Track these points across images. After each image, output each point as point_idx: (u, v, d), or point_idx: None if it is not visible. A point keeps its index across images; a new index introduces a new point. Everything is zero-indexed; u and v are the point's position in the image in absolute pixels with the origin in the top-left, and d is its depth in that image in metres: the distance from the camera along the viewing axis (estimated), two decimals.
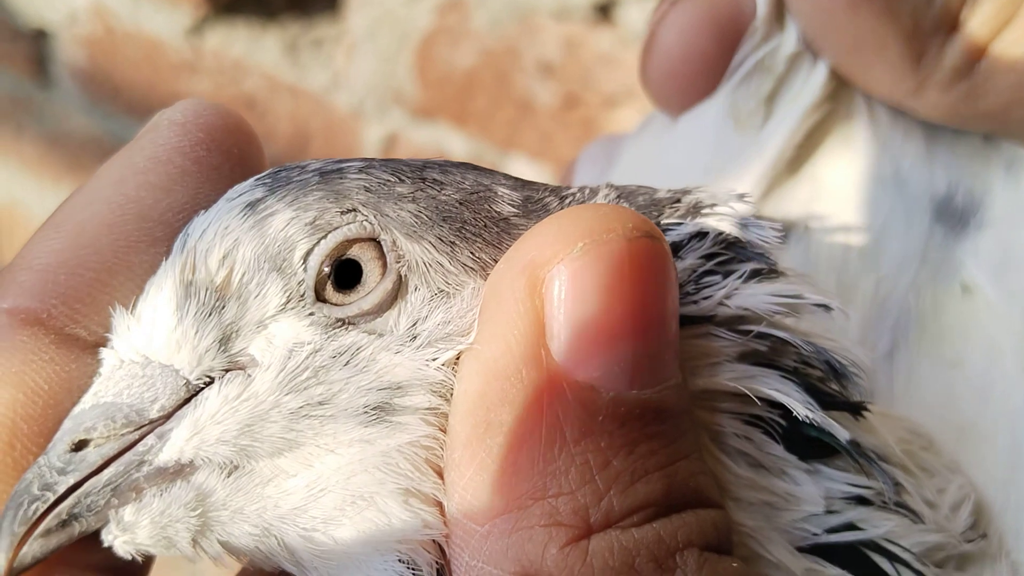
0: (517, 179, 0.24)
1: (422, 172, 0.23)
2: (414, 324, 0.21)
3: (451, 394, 0.21)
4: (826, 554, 0.22)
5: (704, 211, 0.24)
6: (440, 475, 0.21)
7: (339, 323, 0.21)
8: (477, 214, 0.22)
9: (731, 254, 0.23)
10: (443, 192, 0.22)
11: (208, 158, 0.23)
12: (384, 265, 0.21)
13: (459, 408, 0.20)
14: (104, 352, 0.21)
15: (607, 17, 0.67)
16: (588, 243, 0.20)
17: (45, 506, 0.19)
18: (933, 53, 0.27)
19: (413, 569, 0.20)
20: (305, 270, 0.21)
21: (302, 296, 0.21)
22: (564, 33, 0.68)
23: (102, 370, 0.21)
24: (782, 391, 0.22)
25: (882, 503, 0.23)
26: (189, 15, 0.83)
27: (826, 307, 0.23)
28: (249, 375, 0.21)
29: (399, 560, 0.20)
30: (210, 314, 0.21)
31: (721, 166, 0.29)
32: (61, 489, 0.19)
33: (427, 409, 0.21)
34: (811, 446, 0.23)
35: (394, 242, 0.21)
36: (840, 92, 0.29)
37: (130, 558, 0.20)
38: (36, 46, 0.94)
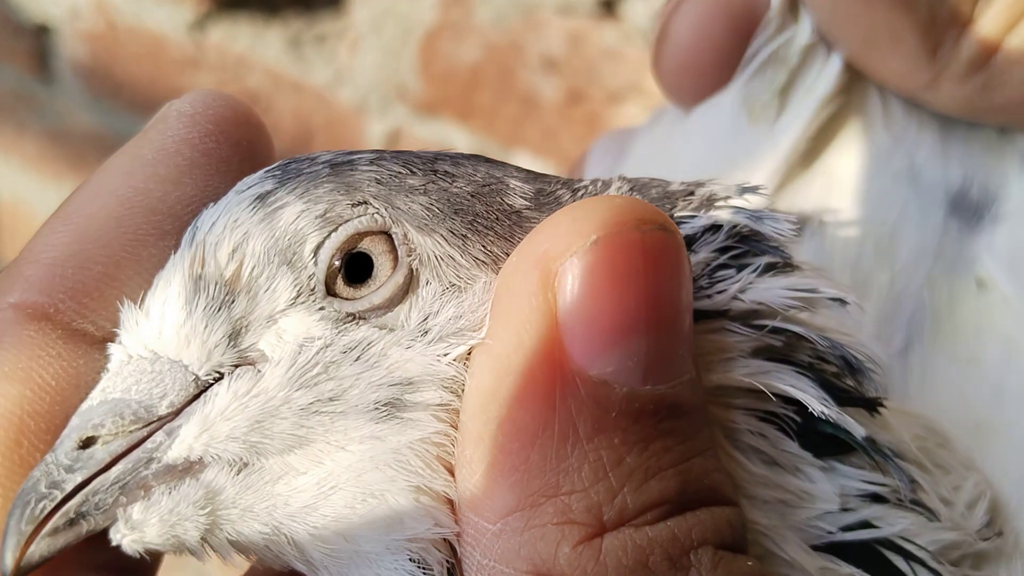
0: (529, 172, 0.24)
1: (433, 164, 0.22)
2: (425, 319, 0.21)
3: (463, 390, 0.21)
4: (841, 552, 0.22)
5: (718, 204, 0.24)
6: (451, 472, 0.20)
7: (350, 318, 0.21)
8: (489, 207, 0.22)
9: (745, 247, 0.23)
10: (455, 184, 0.22)
11: (217, 150, 0.22)
12: (395, 259, 0.21)
13: (470, 404, 0.20)
14: (112, 347, 0.21)
15: (611, 12, 0.67)
16: (601, 236, 0.20)
17: (52, 504, 0.19)
18: (949, 45, 0.26)
19: (424, 568, 0.20)
20: (316, 263, 0.21)
21: (312, 290, 0.21)
22: (568, 28, 0.68)
23: (110, 366, 0.21)
24: (797, 387, 0.22)
25: (898, 501, 0.22)
26: (191, 10, 0.82)
27: (842, 301, 0.23)
28: (259, 371, 0.21)
29: (410, 559, 0.20)
30: (219, 309, 0.20)
31: (734, 159, 0.29)
32: (69, 487, 0.19)
33: (438, 405, 0.20)
34: (826, 443, 0.22)
35: (405, 235, 0.21)
36: (854, 84, 0.29)
37: (138, 557, 0.20)
38: (38, 42, 0.94)
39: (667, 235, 0.20)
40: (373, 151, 0.23)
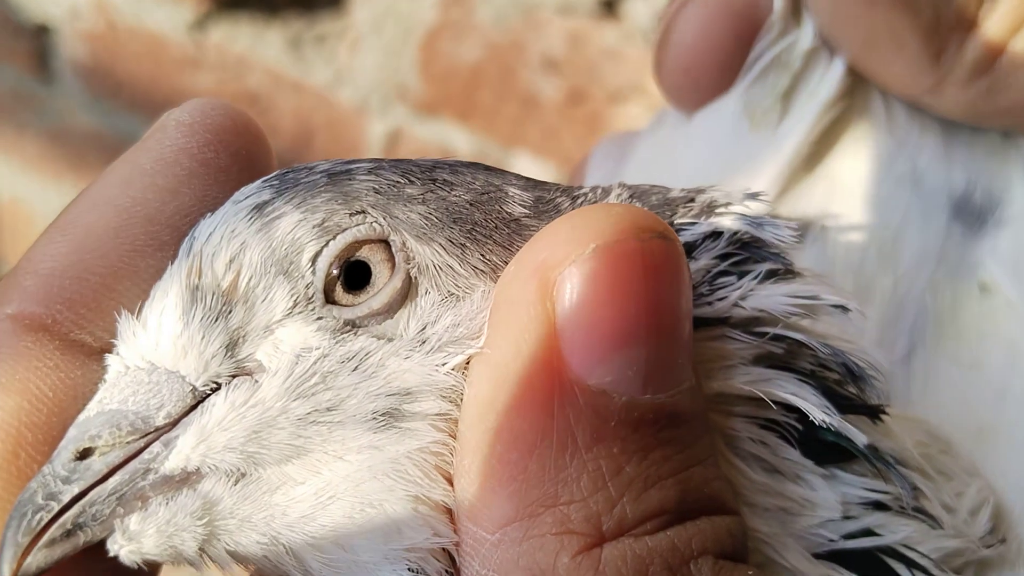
0: (529, 179, 0.24)
1: (432, 173, 0.22)
2: (423, 328, 0.21)
3: (461, 399, 0.21)
4: (843, 560, 0.22)
5: (719, 210, 0.24)
6: (450, 482, 0.20)
7: (347, 327, 0.21)
8: (488, 215, 0.22)
9: (746, 254, 0.23)
10: (453, 193, 0.22)
11: (216, 160, 0.22)
12: (393, 265, 0.21)
13: (469, 414, 0.20)
14: (110, 358, 0.21)
15: (612, 12, 0.66)
16: (600, 244, 0.19)
17: (49, 516, 0.19)
18: (952, 49, 0.26)
19: None
20: (313, 272, 0.21)
21: (310, 299, 0.21)
22: (569, 28, 0.68)
23: (107, 377, 0.21)
24: (798, 395, 0.22)
25: (900, 508, 0.22)
26: (192, 10, 0.82)
27: (844, 308, 0.23)
28: (256, 381, 0.20)
29: (408, 569, 0.20)
30: (216, 319, 0.20)
31: (736, 164, 0.29)
32: (66, 498, 0.19)
33: (437, 415, 0.20)
34: (828, 450, 0.22)
35: (404, 243, 0.21)
36: (857, 89, 0.29)
37: (136, 567, 0.20)
38: (38, 42, 0.94)
39: (666, 243, 0.20)
40: (371, 160, 0.23)
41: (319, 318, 0.21)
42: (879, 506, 0.22)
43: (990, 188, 0.28)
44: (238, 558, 0.20)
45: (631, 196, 0.24)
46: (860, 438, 0.22)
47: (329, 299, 0.21)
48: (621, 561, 0.19)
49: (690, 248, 0.23)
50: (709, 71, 0.29)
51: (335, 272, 0.21)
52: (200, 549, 0.20)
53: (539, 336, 0.19)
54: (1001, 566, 0.24)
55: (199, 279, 0.20)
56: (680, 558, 0.19)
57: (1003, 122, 0.28)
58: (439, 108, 0.76)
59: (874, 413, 0.23)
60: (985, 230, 0.28)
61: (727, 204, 0.24)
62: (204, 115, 0.23)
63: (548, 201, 0.23)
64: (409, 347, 0.21)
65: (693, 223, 0.23)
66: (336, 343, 0.21)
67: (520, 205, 0.23)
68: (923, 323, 0.27)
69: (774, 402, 0.22)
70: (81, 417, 0.20)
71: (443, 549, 0.20)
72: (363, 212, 0.21)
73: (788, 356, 0.22)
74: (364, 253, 0.21)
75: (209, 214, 0.22)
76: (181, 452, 0.20)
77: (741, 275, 0.23)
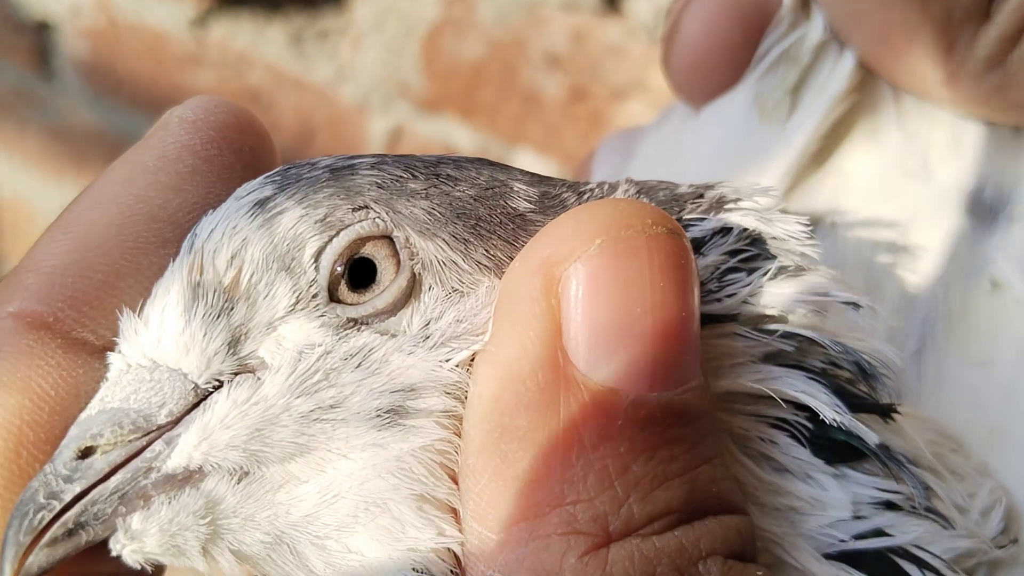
0: (534, 175, 0.24)
1: (436, 168, 0.22)
2: (427, 324, 0.21)
3: (466, 396, 0.20)
4: (853, 561, 0.21)
5: (728, 206, 0.23)
6: (455, 480, 0.20)
7: (351, 324, 0.21)
8: (492, 210, 0.22)
9: (756, 250, 0.23)
10: (457, 188, 0.22)
11: (219, 156, 0.22)
12: (398, 263, 0.21)
13: (473, 412, 0.20)
14: (112, 356, 0.21)
15: (615, 8, 0.66)
16: (606, 240, 0.19)
17: (51, 515, 0.19)
18: (964, 43, 0.26)
19: None
20: (317, 269, 0.21)
21: (313, 296, 0.21)
22: (571, 24, 0.67)
23: (109, 375, 0.21)
24: (809, 393, 0.21)
25: (911, 508, 0.22)
26: (193, 7, 0.82)
27: (855, 305, 0.23)
28: (259, 378, 0.20)
29: (413, 568, 0.20)
30: (218, 316, 0.20)
31: (745, 159, 0.29)
32: (67, 497, 0.19)
33: (441, 412, 0.20)
34: (838, 449, 0.22)
35: (407, 239, 0.21)
36: (867, 83, 0.28)
37: (139, 567, 0.20)
38: (39, 39, 0.94)
39: (674, 238, 0.20)
40: (375, 155, 0.22)
41: (322, 315, 0.20)
42: (890, 506, 0.22)
43: (1001, 184, 0.28)
44: (242, 557, 0.20)
45: (638, 192, 0.24)
46: (871, 437, 0.21)
47: (333, 297, 0.21)
48: (628, 562, 0.18)
49: (699, 244, 0.22)
50: (717, 65, 0.29)
51: (339, 270, 0.21)
52: (203, 548, 0.20)
53: (544, 333, 0.19)
54: (1013, 567, 0.24)
55: (201, 276, 0.20)
56: (688, 558, 0.19)
57: (1015, 117, 0.27)
58: (441, 105, 0.75)
59: (885, 412, 0.22)
60: (996, 226, 0.28)
61: (736, 200, 0.23)
62: (207, 112, 0.22)
63: (554, 196, 0.23)
64: (412, 343, 0.20)
65: (702, 219, 0.23)
66: (339, 340, 0.20)
67: (525, 200, 0.22)
68: (933, 320, 0.27)
69: (784, 400, 0.21)
70: (83, 415, 0.20)
71: (448, 549, 0.20)
72: (366, 207, 0.21)
73: (798, 354, 0.22)
74: (368, 250, 0.21)
75: (212, 211, 0.21)
76: (183, 450, 0.20)
77: (751, 271, 0.22)
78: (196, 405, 0.20)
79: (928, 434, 0.24)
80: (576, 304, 0.19)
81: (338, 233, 0.21)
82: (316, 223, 0.21)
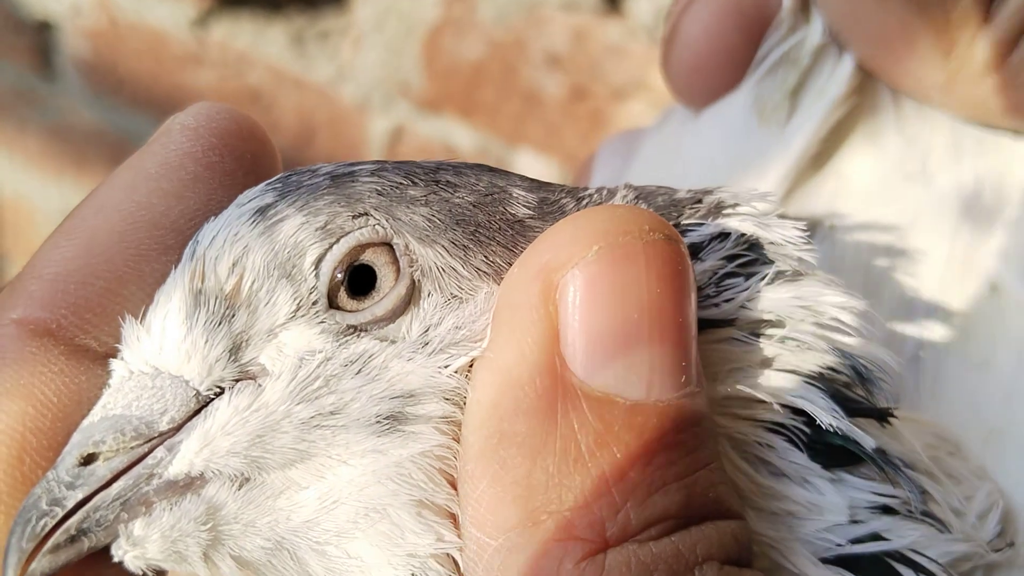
0: (533, 180, 0.24)
1: (435, 174, 0.22)
2: (426, 330, 0.21)
3: (465, 401, 0.20)
4: (850, 565, 0.21)
5: (726, 211, 0.23)
6: (454, 486, 0.20)
7: (351, 330, 0.21)
8: (491, 217, 0.22)
9: (754, 255, 0.23)
10: (457, 194, 0.22)
11: (221, 163, 0.22)
12: (398, 270, 0.21)
13: (472, 418, 0.20)
14: (114, 363, 0.21)
15: (615, 8, 0.66)
16: (603, 246, 0.19)
17: (54, 521, 0.19)
18: (964, 46, 0.26)
19: None
20: (317, 276, 0.21)
21: (313, 303, 0.21)
22: (572, 24, 0.67)
23: (112, 381, 0.21)
24: (806, 398, 0.22)
25: (908, 512, 0.22)
26: (193, 7, 0.82)
27: (852, 309, 0.23)
28: (260, 385, 0.20)
29: (412, 573, 0.20)
30: (220, 323, 0.20)
31: (745, 162, 0.29)
32: (70, 504, 0.19)
33: (440, 418, 0.20)
34: (835, 454, 0.22)
35: (407, 246, 0.21)
36: (866, 86, 0.28)
37: (141, 573, 0.20)
38: (40, 38, 0.94)
39: (671, 244, 0.20)
40: (375, 162, 0.23)
41: (322, 321, 0.21)
42: (887, 510, 0.22)
43: (1000, 187, 0.28)
44: (243, 563, 0.20)
45: (637, 197, 0.24)
46: (868, 442, 0.21)
47: (333, 304, 0.21)
48: (625, 567, 0.19)
49: (697, 249, 0.22)
50: (717, 69, 0.29)
51: (339, 277, 0.21)
52: (204, 554, 0.20)
53: (542, 340, 0.19)
54: (1010, 570, 0.24)
55: (202, 283, 0.20)
56: (684, 564, 0.19)
57: (1014, 121, 0.27)
58: (441, 105, 0.75)
59: (882, 416, 0.23)
60: (995, 229, 0.28)
61: (735, 205, 0.23)
62: (209, 119, 0.23)
63: (553, 202, 0.23)
64: (412, 349, 0.21)
65: (700, 224, 0.23)
66: (339, 346, 0.20)
67: (524, 206, 0.22)
68: (932, 323, 0.27)
69: (781, 405, 0.21)
70: (85, 422, 0.20)
71: (447, 554, 0.20)
72: (366, 214, 0.21)
73: (795, 358, 0.22)
74: (368, 257, 0.21)
75: (213, 218, 0.21)
76: (185, 457, 0.20)
77: (748, 276, 0.22)
78: (198, 412, 0.20)
79: (926, 437, 0.25)
80: (574, 310, 0.19)
81: (338, 240, 0.21)
82: (316, 230, 0.21)
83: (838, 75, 0.28)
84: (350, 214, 0.21)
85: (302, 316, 0.21)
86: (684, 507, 0.19)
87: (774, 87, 0.29)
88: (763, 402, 0.22)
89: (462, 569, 0.20)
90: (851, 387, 0.22)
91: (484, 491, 0.19)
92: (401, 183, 0.22)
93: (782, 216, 0.24)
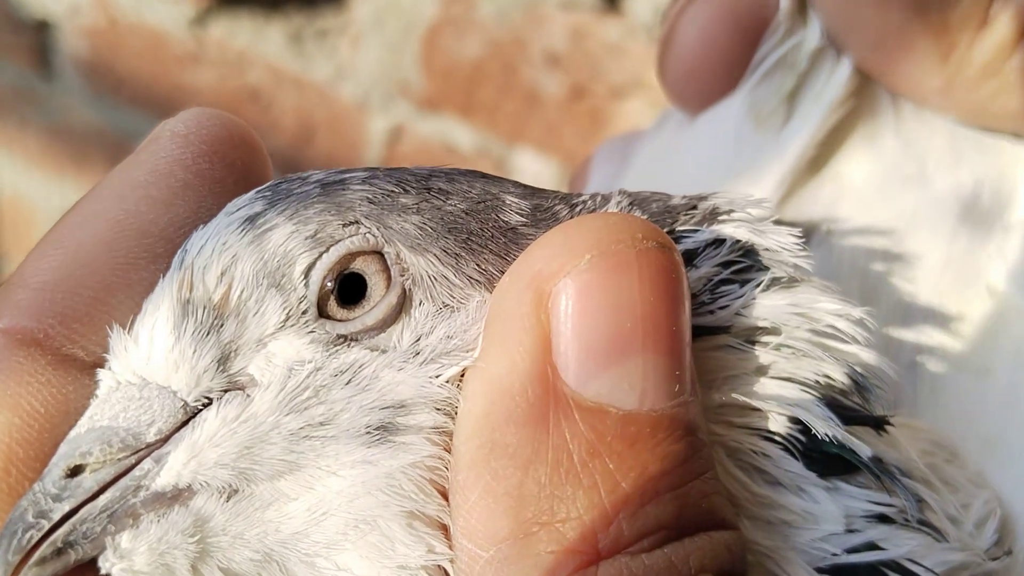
0: (527, 187, 0.24)
1: (427, 182, 0.22)
2: (417, 340, 0.21)
3: (456, 412, 0.20)
4: (846, 575, 0.21)
5: (721, 217, 0.23)
6: (446, 497, 0.20)
7: (341, 340, 0.21)
8: (484, 224, 0.22)
9: (749, 262, 0.23)
10: (449, 202, 0.22)
11: (211, 171, 0.22)
12: (389, 279, 0.21)
13: (463, 428, 0.20)
14: (101, 373, 0.21)
15: (614, 6, 0.66)
16: (596, 255, 0.19)
17: (40, 534, 0.19)
18: (962, 50, 0.25)
19: None
20: (306, 285, 0.21)
21: (303, 312, 0.20)
22: (571, 23, 0.67)
23: (99, 392, 0.21)
24: (801, 406, 0.21)
25: (904, 521, 0.22)
26: (192, 6, 0.82)
27: (849, 315, 0.22)
28: (248, 395, 0.20)
29: None
30: (208, 333, 0.20)
31: (741, 166, 0.28)
32: (56, 516, 0.19)
33: (431, 428, 0.20)
34: (831, 462, 0.22)
35: (398, 255, 0.21)
36: (864, 89, 0.28)
37: None
38: (39, 38, 0.94)
39: (664, 252, 0.20)
40: (367, 169, 0.22)
41: (312, 331, 0.20)
42: (883, 519, 0.22)
43: (998, 190, 0.28)
44: (231, 575, 0.20)
45: (631, 204, 0.24)
46: (864, 450, 0.21)
47: (323, 313, 0.21)
48: None
49: (691, 256, 0.22)
50: (713, 72, 0.29)
51: (329, 285, 0.21)
52: (192, 567, 0.20)
53: (534, 349, 0.19)
54: None
55: (190, 292, 0.20)
56: (678, 575, 0.19)
57: (1012, 125, 0.27)
58: (441, 104, 0.75)
59: (879, 424, 0.22)
60: (993, 233, 0.27)
61: (730, 211, 0.23)
62: (199, 125, 0.22)
63: (546, 209, 0.23)
64: (403, 359, 0.20)
65: (695, 231, 0.23)
66: (329, 356, 0.20)
67: (517, 213, 0.22)
68: (930, 329, 0.27)
69: (776, 413, 0.21)
70: (72, 434, 0.20)
71: (438, 566, 0.20)
72: (356, 223, 0.21)
73: (791, 366, 0.22)
74: (359, 265, 0.21)
75: (202, 226, 0.21)
76: (172, 469, 0.20)
77: (743, 283, 0.22)
78: (185, 423, 0.20)
79: (922, 444, 0.24)
80: (566, 319, 0.19)
81: (328, 249, 0.20)
82: (306, 239, 0.20)
83: (835, 79, 0.28)
84: (340, 222, 0.21)
85: (292, 326, 0.20)
86: (677, 518, 0.19)
87: (771, 91, 0.28)
88: (758, 410, 0.21)
89: None
90: (847, 395, 0.22)
91: (475, 502, 0.19)
92: (392, 191, 0.21)
93: (777, 222, 0.23)
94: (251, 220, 0.21)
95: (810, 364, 0.22)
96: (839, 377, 0.22)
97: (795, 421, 0.21)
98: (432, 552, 0.20)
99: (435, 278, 0.21)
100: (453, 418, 0.20)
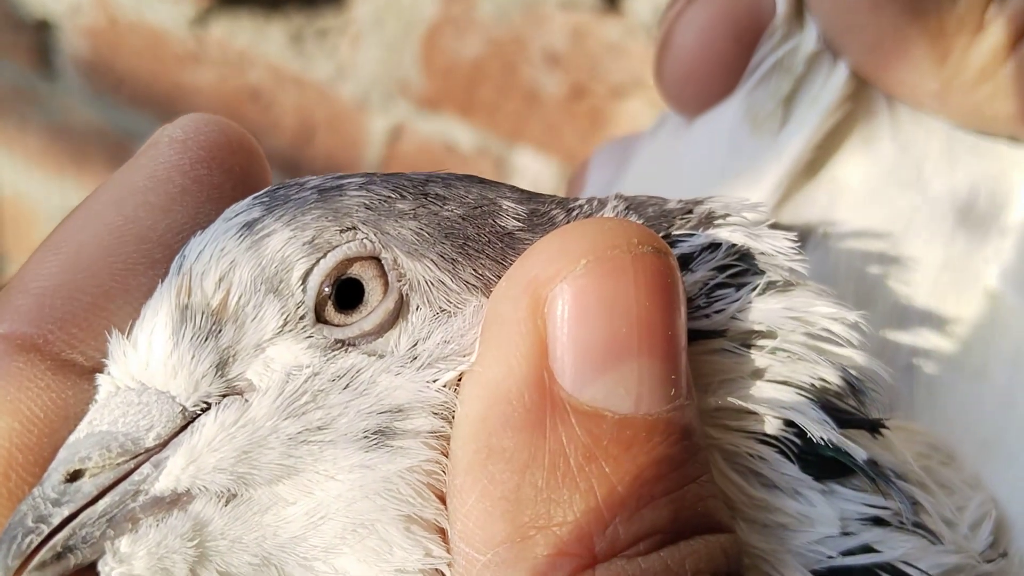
0: (524, 192, 0.24)
1: (424, 187, 0.22)
2: (415, 344, 0.21)
3: (454, 416, 0.20)
4: None
5: (717, 221, 0.23)
6: (443, 501, 0.20)
7: (338, 345, 0.21)
8: (481, 229, 0.22)
9: (745, 266, 0.23)
10: (446, 207, 0.22)
11: (209, 176, 0.22)
12: (386, 284, 0.21)
13: (460, 432, 0.20)
14: (100, 378, 0.21)
15: (614, 6, 0.66)
16: (592, 260, 0.19)
17: (40, 538, 0.19)
18: (958, 53, 0.25)
19: None
20: (304, 291, 0.21)
21: (301, 318, 0.21)
22: (571, 22, 0.67)
23: (98, 397, 0.21)
24: (797, 409, 0.21)
25: (899, 524, 0.22)
26: (192, 5, 0.82)
27: (844, 319, 0.22)
28: (246, 400, 0.20)
29: None
30: (206, 338, 0.20)
31: (738, 170, 0.28)
32: (56, 521, 0.19)
33: (429, 432, 0.20)
34: (827, 465, 0.22)
35: (395, 260, 0.21)
36: (860, 93, 0.28)
37: None
38: (39, 37, 0.94)
39: (660, 257, 0.20)
40: (363, 175, 0.22)
41: (309, 336, 0.21)
42: (878, 522, 0.22)
43: (995, 193, 0.28)
44: None
45: (628, 208, 0.24)
46: (859, 453, 0.21)
47: (320, 319, 0.21)
48: None
49: (687, 260, 0.22)
50: (710, 76, 0.29)
51: (326, 291, 0.21)
52: (191, 571, 0.20)
53: (530, 354, 0.19)
54: None
55: (189, 298, 0.20)
56: None
57: (1008, 129, 0.27)
58: (441, 103, 0.75)
59: (874, 427, 0.22)
60: (990, 236, 0.27)
61: (726, 215, 0.23)
62: (197, 131, 0.22)
63: (543, 214, 0.23)
64: (400, 364, 0.20)
65: (691, 235, 0.23)
66: (327, 361, 0.20)
67: (514, 218, 0.22)
68: (926, 332, 0.27)
69: (772, 416, 0.21)
70: (71, 439, 0.20)
71: (436, 569, 0.20)
72: (354, 228, 0.21)
73: (787, 369, 0.22)
74: (356, 270, 0.21)
75: (200, 232, 0.21)
76: (171, 473, 0.20)
77: (739, 287, 0.22)
78: (184, 428, 0.20)
79: (918, 447, 0.24)
80: (562, 324, 0.19)
81: (325, 255, 0.21)
82: (304, 245, 0.21)
83: (832, 82, 0.28)
84: (337, 228, 0.21)
85: (289, 331, 0.21)
86: (673, 521, 0.19)
87: (767, 95, 0.28)
88: (754, 413, 0.22)
89: None
90: (843, 398, 0.22)
91: (473, 506, 0.19)
92: (390, 196, 0.22)
93: (773, 226, 0.23)
94: (249, 226, 0.21)
95: (805, 367, 0.22)
96: (834, 380, 0.22)
97: (791, 424, 0.22)
98: (429, 556, 0.20)
99: (432, 283, 0.21)
100: (450, 422, 0.20)
